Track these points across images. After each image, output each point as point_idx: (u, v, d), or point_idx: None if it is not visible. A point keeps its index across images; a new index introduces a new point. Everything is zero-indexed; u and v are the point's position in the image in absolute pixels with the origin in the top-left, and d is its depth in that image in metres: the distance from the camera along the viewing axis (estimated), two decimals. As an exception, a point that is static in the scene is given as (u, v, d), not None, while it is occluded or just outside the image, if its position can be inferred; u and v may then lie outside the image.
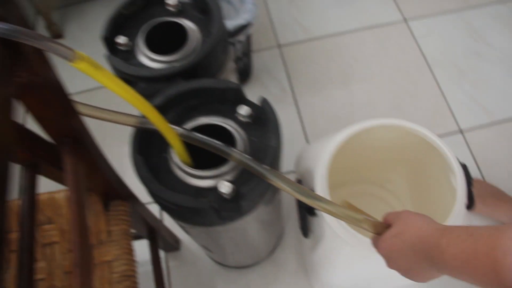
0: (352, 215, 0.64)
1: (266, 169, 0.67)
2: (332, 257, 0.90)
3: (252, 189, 0.71)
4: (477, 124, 1.53)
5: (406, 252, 0.58)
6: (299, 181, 0.96)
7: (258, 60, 1.66)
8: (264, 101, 0.76)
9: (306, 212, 0.91)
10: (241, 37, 1.26)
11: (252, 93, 1.58)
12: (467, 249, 0.47)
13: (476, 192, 1.34)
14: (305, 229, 0.90)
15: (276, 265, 1.31)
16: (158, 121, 0.67)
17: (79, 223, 0.61)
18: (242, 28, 1.23)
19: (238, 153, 0.69)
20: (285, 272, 1.30)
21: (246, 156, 0.69)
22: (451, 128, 1.53)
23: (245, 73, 1.53)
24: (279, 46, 1.70)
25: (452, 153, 0.89)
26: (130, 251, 0.87)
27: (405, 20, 1.77)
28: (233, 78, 1.02)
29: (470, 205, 0.92)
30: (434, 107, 1.57)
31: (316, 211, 0.90)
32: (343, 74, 1.64)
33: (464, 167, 0.90)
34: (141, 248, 1.20)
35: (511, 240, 0.43)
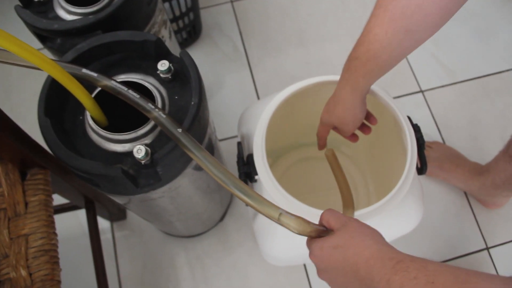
0: (266, 210, 0.53)
1: (179, 132, 0.59)
2: (271, 228, 0.84)
3: (169, 153, 0.63)
4: (438, 84, 1.48)
5: (345, 270, 0.50)
6: (239, 144, 0.89)
7: (208, 17, 1.56)
8: (183, 53, 0.68)
9: (245, 178, 0.84)
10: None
11: (202, 52, 1.50)
12: None
13: (434, 156, 1.30)
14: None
15: (226, 233, 1.26)
16: (48, 66, 0.57)
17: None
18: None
19: (152, 108, 0.61)
20: (235, 240, 1.25)
21: (160, 113, 0.61)
22: (412, 88, 1.47)
23: (193, 30, 1.43)
24: (232, 1, 1.60)
25: (403, 112, 0.82)
26: (49, 223, 0.79)
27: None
28: (166, 32, 0.93)
29: (422, 169, 0.86)
30: (396, 67, 1.50)
31: (256, 177, 0.84)
32: (298, 31, 1.55)
33: (417, 129, 0.84)
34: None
35: None
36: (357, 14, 1.59)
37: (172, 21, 1.29)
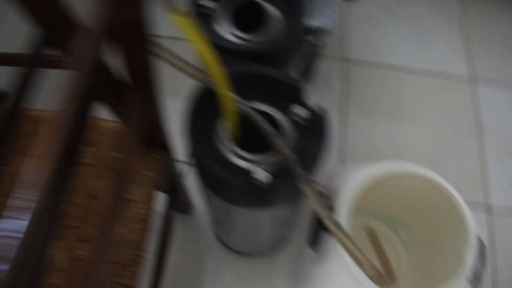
0: (358, 255, 0.67)
1: (302, 173, 0.71)
2: (333, 278, 0.91)
3: (287, 186, 0.74)
4: (508, 207, 1.50)
5: None
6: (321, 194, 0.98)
7: (321, 65, 1.67)
8: (323, 111, 0.79)
9: (318, 225, 0.93)
10: (311, 38, 1.27)
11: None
12: None
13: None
14: (314, 241, 0.92)
15: (269, 262, 1.34)
16: (223, 86, 0.71)
17: (124, 165, 0.66)
18: (315, 30, 1.23)
19: (284, 145, 0.72)
20: (275, 273, 1.33)
21: (290, 152, 0.72)
22: (477, 200, 1.50)
23: (305, 73, 1.56)
24: (347, 60, 1.72)
25: (474, 225, 0.88)
26: (152, 199, 0.90)
27: (473, 78, 1.74)
28: (292, 75, 1.04)
29: (476, 284, 0.91)
30: (468, 173, 1.56)
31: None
32: (395, 109, 1.65)
33: (481, 244, 0.89)
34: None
35: None
36: (451, 113, 1.67)
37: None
